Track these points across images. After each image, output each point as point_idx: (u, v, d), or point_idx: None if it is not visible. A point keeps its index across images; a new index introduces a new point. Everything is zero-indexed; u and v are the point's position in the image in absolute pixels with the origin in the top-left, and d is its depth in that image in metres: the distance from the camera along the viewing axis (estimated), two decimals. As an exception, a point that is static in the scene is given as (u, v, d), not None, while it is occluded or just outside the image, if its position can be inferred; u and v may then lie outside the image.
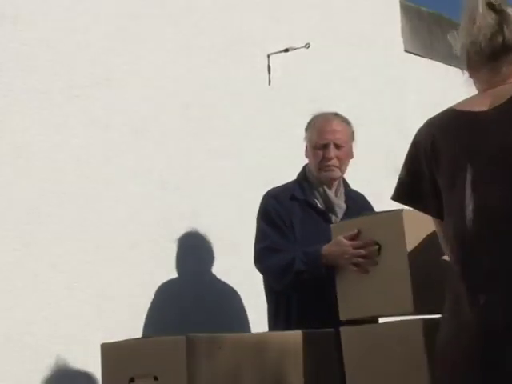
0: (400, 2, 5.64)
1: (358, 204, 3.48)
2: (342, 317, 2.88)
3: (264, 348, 2.44)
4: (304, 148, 3.49)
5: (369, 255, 2.82)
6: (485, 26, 2.08)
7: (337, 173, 3.41)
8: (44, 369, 3.37)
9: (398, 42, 5.57)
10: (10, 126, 3.42)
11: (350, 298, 2.86)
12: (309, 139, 3.46)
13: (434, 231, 2.38)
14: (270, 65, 4.54)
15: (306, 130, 3.49)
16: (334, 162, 3.38)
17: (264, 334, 2.48)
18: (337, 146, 3.38)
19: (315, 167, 3.40)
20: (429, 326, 2.83)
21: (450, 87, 6.33)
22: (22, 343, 3.31)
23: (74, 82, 3.64)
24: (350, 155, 3.48)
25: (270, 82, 4.54)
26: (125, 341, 2.46)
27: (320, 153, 3.38)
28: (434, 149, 2.11)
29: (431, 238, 2.59)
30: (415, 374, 2.81)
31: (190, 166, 4.04)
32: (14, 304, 3.32)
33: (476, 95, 2.16)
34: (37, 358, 3.34)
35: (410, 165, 2.21)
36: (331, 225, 3.12)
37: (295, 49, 4.57)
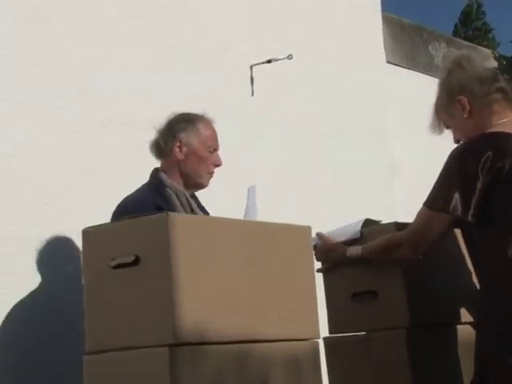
0: (382, 13, 5.68)
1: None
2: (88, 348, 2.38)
3: (248, 359, 2.44)
4: (179, 150, 3.14)
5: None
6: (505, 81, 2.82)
7: None
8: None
9: (380, 52, 5.60)
10: (-8, 136, 3.42)
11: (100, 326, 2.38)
12: (199, 141, 3.17)
13: (221, 241, 2.29)
14: (253, 76, 4.56)
15: (185, 129, 3.17)
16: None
17: (249, 345, 2.47)
18: None
19: (203, 173, 3.18)
20: (414, 335, 2.86)
21: (431, 97, 6.37)
22: None
23: (56, 92, 3.64)
24: None
25: (253, 92, 4.56)
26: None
27: (216, 158, 3.20)
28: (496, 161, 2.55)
29: (216, 250, 2.32)
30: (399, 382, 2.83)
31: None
32: None
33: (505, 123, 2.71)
34: None
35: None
36: (82, 230, 2.43)
37: (278, 60, 4.59)
